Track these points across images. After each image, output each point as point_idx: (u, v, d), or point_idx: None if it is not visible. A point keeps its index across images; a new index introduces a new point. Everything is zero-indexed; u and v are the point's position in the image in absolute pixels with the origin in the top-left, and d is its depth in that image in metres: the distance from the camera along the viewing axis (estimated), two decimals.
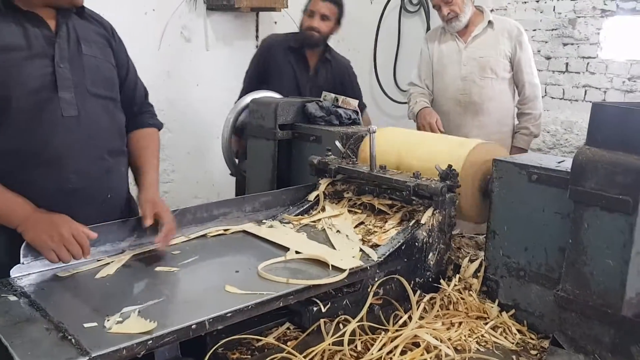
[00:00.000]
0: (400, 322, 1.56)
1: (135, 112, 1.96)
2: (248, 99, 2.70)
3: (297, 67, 3.25)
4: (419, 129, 3.15)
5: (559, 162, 1.68)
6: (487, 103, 3.15)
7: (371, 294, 1.55)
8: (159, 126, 2.04)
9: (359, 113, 2.56)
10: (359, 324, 1.48)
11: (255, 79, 3.29)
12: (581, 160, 1.45)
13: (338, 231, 1.80)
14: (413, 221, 1.74)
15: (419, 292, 1.70)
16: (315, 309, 1.46)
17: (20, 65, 1.62)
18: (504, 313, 1.71)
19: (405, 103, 4.89)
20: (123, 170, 1.88)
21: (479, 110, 3.17)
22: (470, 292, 1.73)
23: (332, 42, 5.13)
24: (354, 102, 2.54)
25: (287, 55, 3.26)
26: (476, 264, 1.79)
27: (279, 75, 3.22)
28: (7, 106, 1.60)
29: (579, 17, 3.87)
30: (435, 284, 1.75)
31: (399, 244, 1.65)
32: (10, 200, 1.59)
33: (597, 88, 3.82)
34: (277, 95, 2.80)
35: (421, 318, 1.59)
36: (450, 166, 1.74)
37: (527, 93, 3.17)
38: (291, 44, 3.28)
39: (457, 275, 1.78)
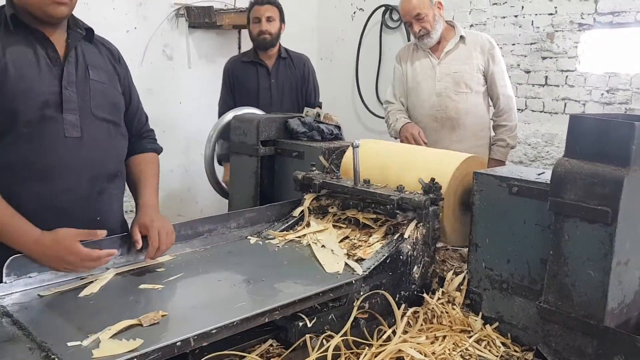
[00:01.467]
0: (385, 336, 1.55)
1: (135, 136, 1.99)
2: (229, 115, 2.70)
3: (258, 74, 3.49)
4: (403, 139, 3.14)
5: (539, 174, 1.69)
6: (463, 117, 3.16)
7: (355, 307, 1.55)
8: (158, 150, 2.07)
9: (341, 128, 2.57)
10: (343, 338, 1.47)
11: (228, 100, 3.53)
12: (560, 171, 1.46)
13: (323, 246, 1.80)
14: (397, 235, 1.74)
15: (404, 305, 1.69)
16: (300, 324, 1.45)
17: (30, 81, 1.65)
18: (487, 326, 1.70)
19: None
20: (117, 194, 1.90)
21: (456, 125, 3.17)
22: (454, 306, 1.73)
23: (315, 57, 5.17)
24: (336, 118, 2.54)
25: (247, 68, 3.52)
26: (460, 277, 1.79)
27: (245, 88, 3.48)
28: (14, 119, 1.63)
29: (557, 31, 3.93)
30: (421, 296, 1.75)
31: (384, 257, 1.65)
32: (20, 224, 1.59)
33: (576, 101, 3.87)
34: (258, 112, 2.81)
35: (405, 332, 1.58)
36: (433, 179, 1.75)
37: (502, 105, 3.19)
38: (244, 59, 3.56)
39: (441, 289, 1.78)
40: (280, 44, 3.55)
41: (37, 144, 1.66)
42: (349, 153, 2.11)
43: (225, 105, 3.50)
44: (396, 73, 3.40)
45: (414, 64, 3.28)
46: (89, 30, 1.83)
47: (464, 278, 1.78)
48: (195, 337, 1.23)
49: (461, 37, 3.18)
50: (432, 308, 1.70)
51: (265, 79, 3.48)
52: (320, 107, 3.32)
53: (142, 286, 1.55)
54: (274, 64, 3.51)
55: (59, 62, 1.72)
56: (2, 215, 1.59)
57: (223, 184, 3.43)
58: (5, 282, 1.49)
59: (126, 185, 1.97)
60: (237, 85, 3.51)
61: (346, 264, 1.66)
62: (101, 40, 1.90)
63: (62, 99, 1.69)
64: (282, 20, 3.52)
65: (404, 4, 3.16)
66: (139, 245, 1.72)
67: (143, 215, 1.79)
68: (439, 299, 1.74)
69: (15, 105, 1.63)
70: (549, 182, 1.53)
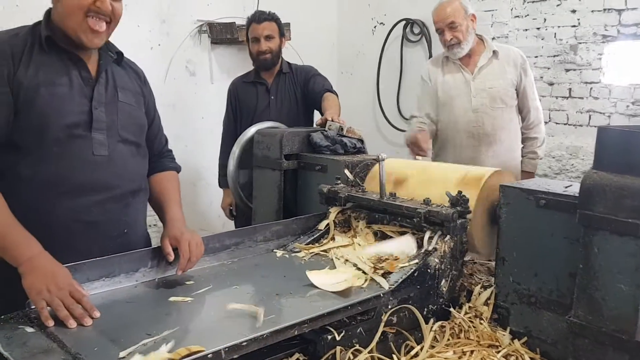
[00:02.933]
0: (413, 352, 1.54)
1: (156, 155, 2.04)
2: (252, 130, 2.72)
3: (258, 92, 3.44)
4: (409, 147, 3.12)
5: (566, 187, 1.67)
6: (499, 133, 3.15)
7: (383, 322, 1.54)
8: (178, 169, 2.12)
9: (364, 142, 2.57)
10: (371, 355, 1.46)
11: (232, 118, 3.52)
12: (589, 184, 1.44)
13: (347, 260, 1.79)
14: (424, 248, 1.73)
15: (432, 320, 1.68)
16: (329, 337, 1.44)
17: (62, 100, 1.69)
18: (516, 341, 1.67)
19: None
20: (141, 208, 1.94)
21: (492, 140, 3.15)
22: (482, 320, 1.71)
23: (335, 72, 5.18)
24: (359, 131, 2.55)
25: (247, 88, 3.48)
26: (488, 292, 1.77)
27: (245, 108, 3.45)
28: (44, 136, 1.67)
29: (580, 43, 3.90)
30: (448, 310, 1.74)
31: (412, 270, 1.64)
32: (19, 237, 1.56)
33: (601, 113, 3.83)
34: (281, 126, 2.83)
35: (432, 347, 1.57)
36: (460, 192, 1.74)
37: (532, 118, 3.19)
38: (245, 79, 3.52)
39: (468, 304, 1.76)
40: (282, 59, 3.47)
41: (67, 161, 1.70)
42: (376, 168, 2.11)
43: (226, 128, 3.54)
44: (424, 87, 3.36)
45: (445, 78, 3.25)
46: (119, 54, 1.89)
47: (492, 292, 1.76)
48: (227, 349, 1.23)
49: (494, 51, 3.17)
50: (460, 322, 1.68)
51: (264, 96, 3.42)
52: (334, 92, 3.27)
53: (172, 299, 1.57)
54: (274, 80, 3.43)
55: (91, 82, 1.77)
56: (10, 225, 1.57)
57: (222, 210, 3.54)
58: None
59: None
60: (238, 106, 3.48)
61: (372, 279, 1.65)
62: (129, 62, 1.95)
63: (92, 119, 1.73)
64: (281, 35, 3.42)
65: (438, 11, 3.15)
66: (171, 257, 1.73)
67: (172, 228, 1.80)
68: (466, 313, 1.72)
69: (46, 123, 1.67)
70: (577, 194, 1.52)
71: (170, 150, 2.14)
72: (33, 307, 1.46)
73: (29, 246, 1.54)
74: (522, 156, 3.23)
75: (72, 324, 1.38)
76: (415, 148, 3.04)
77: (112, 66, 1.85)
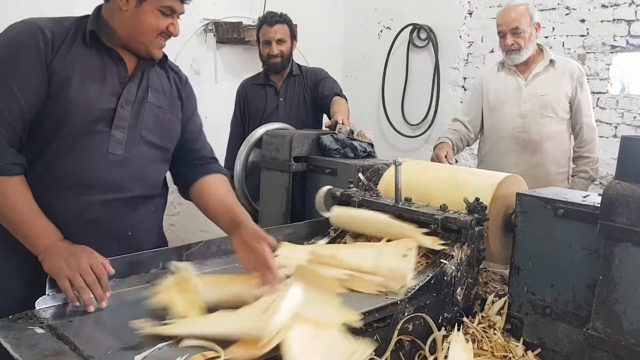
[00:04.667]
0: None
1: (198, 161, 1.94)
2: (260, 131, 2.69)
3: (267, 94, 3.39)
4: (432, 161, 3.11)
5: (585, 197, 1.65)
6: (545, 142, 3.08)
7: (396, 331, 1.50)
8: (226, 174, 1.99)
9: (374, 146, 2.54)
10: None
11: (239, 120, 3.47)
12: (611, 194, 1.42)
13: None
14: (440, 255, 1.70)
15: (445, 328, 1.65)
16: None
17: (91, 95, 1.66)
18: (529, 352, 1.65)
19: (414, 137, 4.92)
20: (154, 212, 1.88)
21: (537, 149, 3.09)
22: (495, 330, 1.68)
23: (340, 75, 5.16)
24: (369, 135, 2.52)
25: (256, 90, 3.43)
26: (501, 301, 1.74)
27: (254, 110, 3.40)
28: (63, 129, 1.63)
29: (588, 52, 3.89)
30: (461, 320, 1.71)
31: (428, 277, 1.61)
32: (40, 225, 1.57)
33: (608, 123, 3.81)
34: (290, 127, 2.80)
35: (446, 357, 1.54)
36: (477, 199, 1.71)
37: (585, 136, 3.07)
38: (254, 81, 3.47)
39: (480, 313, 1.74)
40: (292, 61, 3.43)
41: (79, 156, 1.66)
42: (390, 171, 2.07)
43: (234, 130, 3.49)
44: (473, 93, 3.35)
45: (498, 84, 3.20)
46: (164, 56, 1.83)
47: (505, 302, 1.74)
48: None
49: (551, 60, 3.10)
50: (473, 332, 1.65)
51: (273, 98, 3.38)
52: (343, 97, 3.25)
53: None
54: (283, 82, 3.39)
55: (125, 81, 1.74)
56: (34, 211, 1.57)
57: None
58: (48, 295, 1.47)
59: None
60: (247, 108, 3.44)
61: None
62: (172, 65, 1.91)
63: (115, 116, 1.70)
64: (293, 37, 3.37)
65: (504, 14, 3.09)
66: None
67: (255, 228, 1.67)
68: (479, 322, 1.69)
69: (68, 116, 1.63)
70: (596, 204, 1.49)
71: (216, 159, 2.04)
72: (42, 306, 1.43)
73: (48, 235, 1.56)
74: (573, 175, 3.13)
75: (92, 309, 1.42)
76: (437, 161, 3.01)
77: (150, 68, 1.81)
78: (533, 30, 3.06)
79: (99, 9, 1.74)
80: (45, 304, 1.45)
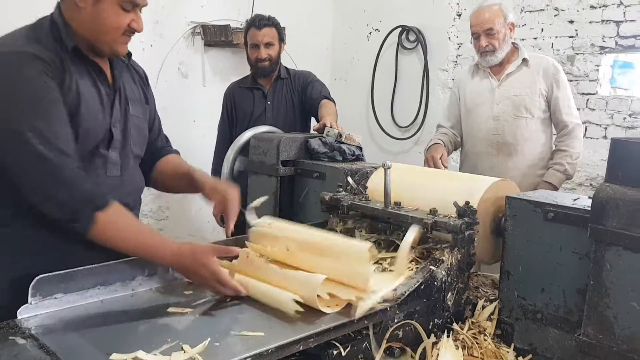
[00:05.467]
0: None
1: (155, 151, 1.98)
2: (248, 134, 2.66)
3: (254, 97, 3.37)
4: (426, 163, 3.07)
5: (575, 200, 1.63)
6: (521, 144, 3.01)
7: (385, 338, 1.48)
8: (178, 153, 2.08)
9: (362, 149, 2.52)
10: None
11: (227, 123, 3.45)
12: (601, 197, 1.40)
13: None
14: (429, 260, 1.67)
15: (433, 334, 1.62)
16: (335, 352, 1.38)
17: (95, 118, 1.63)
18: (520, 358, 1.63)
19: (403, 139, 4.90)
20: (138, 217, 1.87)
21: (513, 151, 3.03)
22: (485, 336, 1.65)
23: (329, 78, 5.14)
24: (358, 138, 2.49)
25: (244, 93, 3.41)
26: (491, 307, 1.72)
27: (242, 113, 3.38)
28: None
29: (577, 54, 3.88)
30: (450, 326, 1.68)
31: (418, 283, 1.58)
32: (158, 240, 1.61)
33: (597, 124, 3.80)
34: (278, 131, 2.77)
35: None
36: (467, 203, 1.68)
37: (566, 131, 3.01)
38: (242, 84, 3.45)
39: (470, 319, 1.71)
40: (280, 64, 3.40)
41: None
42: (378, 174, 2.05)
43: (221, 133, 3.47)
44: (451, 97, 3.31)
45: (473, 87, 3.16)
46: (128, 54, 1.79)
47: (495, 307, 1.71)
48: None
49: (524, 59, 3.04)
50: (463, 338, 1.62)
51: (260, 102, 3.35)
52: (331, 100, 3.22)
53: (170, 309, 1.50)
54: (271, 85, 3.36)
55: (111, 97, 1.70)
56: (144, 231, 1.61)
57: (213, 218, 3.43)
58: (31, 304, 1.44)
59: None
60: (234, 111, 3.41)
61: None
62: (132, 63, 1.85)
63: (111, 136, 1.67)
64: (281, 40, 3.34)
65: (477, 15, 3.04)
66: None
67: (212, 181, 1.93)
68: (469, 328, 1.66)
69: (78, 142, 1.58)
70: (587, 207, 1.48)
71: (170, 144, 2.08)
72: (24, 316, 1.41)
73: (168, 245, 1.59)
74: (548, 167, 3.06)
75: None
76: (431, 163, 2.97)
77: (122, 73, 1.76)
78: (507, 31, 3.02)
79: (59, 8, 1.64)
80: (27, 314, 1.43)
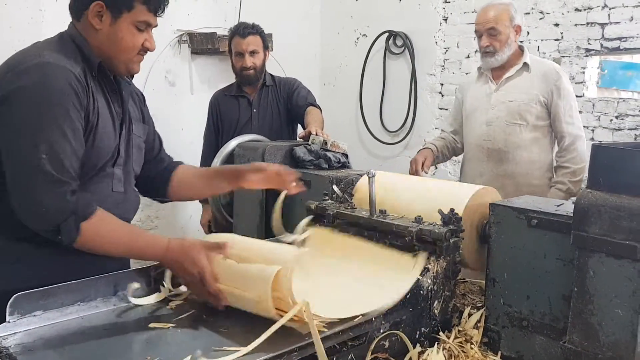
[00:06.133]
0: None
1: (162, 166, 2.00)
2: (233, 143, 2.65)
3: (240, 105, 3.38)
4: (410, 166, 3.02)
5: (558, 206, 1.62)
6: (512, 151, 2.90)
7: (370, 349, 1.46)
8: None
9: (348, 156, 2.51)
10: None
11: (213, 131, 3.45)
12: (583, 204, 1.39)
13: None
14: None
15: (425, 342, 1.61)
16: None
17: (107, 139, 1.65)
18: None
19: (393, 144, 4.90)
20: None
21: (504, 158, 2.92)
22: (472, 345, 1.64)
23: (317, 83, 5.13)
24: (343, 146, 2.49)
25: (229, 101, 3.41)
26: (478, 314, 1.71)
27: (227, 121, 3.38)
28: (80, 171, 1.59)
29: (563, 56, 3.89)
30: (437, 335, 1.67)
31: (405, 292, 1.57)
32: (148, 238, 1.63)
33: (584, 127, 3.80)
34: (263, 139, 2.76)
35: None
36: (452, 210, 1.67)
37: (566, 145, 2.85)
38: (227, 92, 3.46)
39: (457, 327, 1.70)
40: (265, 72, 3.40)
41: (88, 196, 1.62)
42: (362, 182, 2.04)
43: (207, 142, 3.47)
44: (455, 102, 3.26)
45: (474, 91, 3.08)
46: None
47: (482, 315, 1.70)
48: None
49: (525, 64, 2.93)
50: (449, 347, 1.61)
51: (246, 110, 3.36)
52: (317, 107, 3.21)
53: (152, 324, 1.48)
54: (257, 93, 3.36)
55: (120, 116, 1.72)
56: (132, 233, 1.62)
57: (201, 227, 3.45)
58: (9, 322, 1.41)
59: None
60: (220, 119, 3.42)
61: None
62: (129, 82, 1.87)
63: (118, 154, 1.70)
64: (265, 47, 3.34)
65: (482, 13, 2.94)
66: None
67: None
68: (456, 337, 1.65)
69: (87, 159, 1.60)
70: (570, 214, 1.47)
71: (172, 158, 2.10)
72: (2, 334, 1.38)
73: (159, 241, 1.60)
74: (550, 186, 2.92)
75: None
76: (413, 167, 2.94)
77: (129, 91, 1.79)
78: (512, 33, 2.90)
79: (75, 27, 1.68)
80: (5, 332, 1.40)
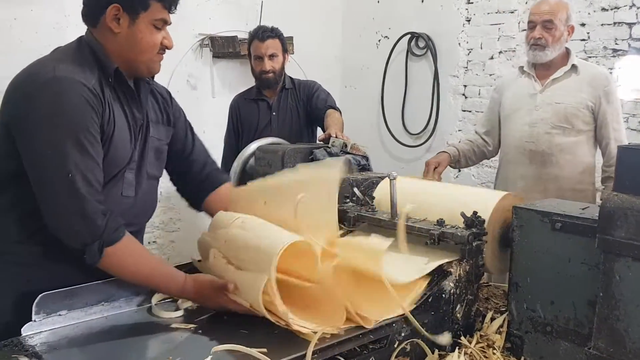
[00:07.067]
0: None
1: (204, 177, 2.00)
2: (253, 146, 2.65)
3: (259, 109, 3.37)
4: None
5: (583, 209, 1.59)
6: (557, 154, 2.82)
7: (395, 352, 1.45)
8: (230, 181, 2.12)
9: (369, 159, 2.49)
10: None
11: (233, 135, 3.45)
12: (609, 207, 1.36)
13: None
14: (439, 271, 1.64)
15: (447, 347, 1.59)
16: None
17: (122, 148, 1.65)
18: None
19: (414, 146, 4.86)
20: (140, 239, 1.88)
21: (547, 161, 2.84)
22: (494, 350, 1.61)
23: (338, 86, 5.11)
24: (364, 148, 2.47)
25: (249, 105, 3.40)
26: (500, 319, 1.68)
27: (247, 125, 3.38)
28: None
29: (590, 57, 3.82)
30: (459, 340, 1.64)
31: (426, 295, 1.56)
32: (165, 274, 1.62)
33: None
34: (283, 142, 2.76)
35: None
36: (475, 213, 1.65)
37: (613, 153, 2.72)
38: (246, 96, 3.44)
39: (479, 332, 1.67)
40: (285, 75, 3.39)
41: (118, 221, 1.62)
42: (383, 185, 2.02)
43: (227, 145, 3.47)
44: (490, 102, 3.18)
45: (515, 90, 3.00)
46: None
47: (504, 320, 1.67)
48: None
49: (573, 65, 2.85)
50: (471, 352, 1.58)
51: (266, 113, 3.35)
52: (337, 109, 3.19)
53: (174, 325, 1.50)
54: (276, 96, 3.36)
55: (139, 122, 1.72)
56: (152, 265, 1.61)
57: None
58: (35, 321, 1.45)
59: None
60: (240, 123, 3.42)
61: None
62: (155, 84, 1.87)
63: (131, 159, 1.69)
64: (285, 51, 3.34)
65: (540, 3, 2.86)
66: None
67: None
68: (478, 342, 1.62)
69: (105, 169, 1.61)
70: (595, 217, 1.43)
71: (217, 166, 2.11)
72: (28, 333, 1.42)
73: (174, 279, 1.60)
74: (601, 199, 2.89)
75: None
76: (426, 169, 2.89)
77: (148, 94, 1.80)
78: (565, 32, 2.84)
79: (91, 33, 1.68)
80: (31, 331, 1.43)
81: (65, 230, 1.52)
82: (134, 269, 1.57)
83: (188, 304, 1.64)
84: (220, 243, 1.64)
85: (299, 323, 1.39)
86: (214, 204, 1.94)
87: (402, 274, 1.54)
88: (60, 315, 1.50)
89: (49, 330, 1.46)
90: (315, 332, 1.36)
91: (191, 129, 2.01)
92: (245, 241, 1.57)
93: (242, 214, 1.71)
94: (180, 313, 1.61)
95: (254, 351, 1.28)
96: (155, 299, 1.67)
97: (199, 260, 1.77)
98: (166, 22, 1.69)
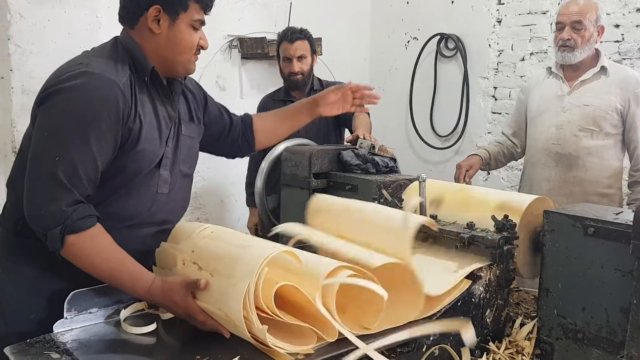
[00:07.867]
0: None
1: (239, 128, 2.14)
2: (281, 147, 2.65)
3: None
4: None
5: (617, 214, 1.55)
6: (583, 157, 2.78)
7: (424, 356, 1.43)
8: None
9: (396, 160, 2.47)
10: None
11: None
12: None
13: None
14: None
15: (476, 351, 1.57)
16: None
17: (152, 144, 1.66)
18: None
19: (443, 149, 4.82)
20: None
21: (574, 164, 2.80)
22: (523, 356, 1.58)
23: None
24: (391, 150, 2.45)
25: (277, 105, 3.25)
26: (530, 325, 1.65)
27: None
28: (121, 171, 1.62)
29: (624, 58, 3.74)
30: (486, 345, 1.62)
31: (455, 299, 1.53)
32: (131, 272, 1.53)
33: None
34: (311, 143, 2.75)
35: None
36: (506, 216, 1.62)
37: None
38: (275, 97, 3.44)
39: (507, 338, 1.64)
40: (313, 76, 3.38)
41: (133, 198, 1.66)
42: (413, 187, 2.00)
43: None
44: (517, 103, 3.15)
45: (542, 91, 2.96)
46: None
47: (534, 326, 1.64)
48: None
49: (602, 67, 2.80)
50: (499, 358, 1.56)
51: None
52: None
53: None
54: (304, 97, 3.24)
55: (172, 120, 1.74)
56: (118, 261, 1.53)
57: (247, 230, 3.45)
58: (66, 318, 1.46)
59: None
60: None
61: None
62: (186, 82, 1.88)
63: (164, 156, 1.71)
64: (313, 52, 3.33)
65: (569, 4, 2.81)
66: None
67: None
68: (506, 348, 1.60)
69: (132, 163, 1.62)
70: (629, 222, 1.40)
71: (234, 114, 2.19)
72: (60, 330, 1.43)
73: (141, 280, 1.51)
74: (628, 204, 2.78)
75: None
76: (457, 173, 2.88)
77: (180, 93, 1.81)
78: (595, 33, 2.78)
79: (127, 33, 1.69)
80: (63, 328, 1.45)
81: (33, 211, 1.49)
82: (96, 262, 1.50)
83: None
84: (187, 252, 1.54)
85: (276, 343, 1.30)
86: (262, 136, 2.17)
87: (432, 285, 1.51)
88: (91, 312, 1.51)
89: (80, 327, 1.47)
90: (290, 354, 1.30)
91: (220, 105, 2.10)
92: (222, 250, 1.48)
93: (320, 222, 1.74)
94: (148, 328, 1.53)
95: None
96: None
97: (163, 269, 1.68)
98: (203, 23, 1.71)
